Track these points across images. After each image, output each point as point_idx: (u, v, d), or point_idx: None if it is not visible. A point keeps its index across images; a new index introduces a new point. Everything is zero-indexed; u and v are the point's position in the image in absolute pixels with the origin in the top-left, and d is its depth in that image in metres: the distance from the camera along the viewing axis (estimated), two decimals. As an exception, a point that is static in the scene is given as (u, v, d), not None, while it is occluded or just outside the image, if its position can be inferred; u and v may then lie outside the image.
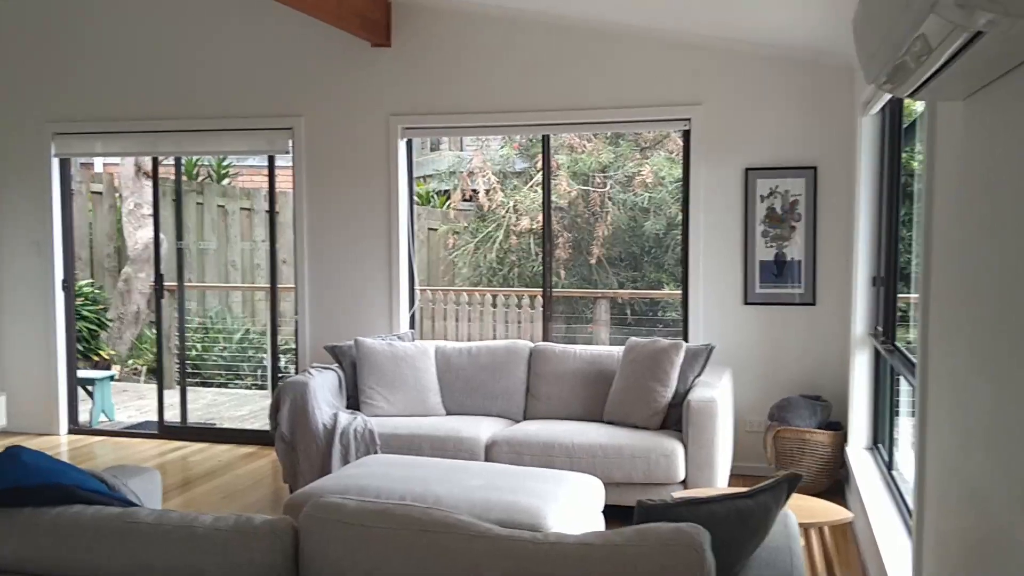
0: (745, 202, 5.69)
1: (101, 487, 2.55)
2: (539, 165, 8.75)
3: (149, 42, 6.52)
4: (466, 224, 9.32)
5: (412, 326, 6.42)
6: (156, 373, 6.80)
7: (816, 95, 5.58)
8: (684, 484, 4.66)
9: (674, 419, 4.97)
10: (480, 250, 8.73)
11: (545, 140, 6.18)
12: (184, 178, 10.79)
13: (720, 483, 4.65)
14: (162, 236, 9.71)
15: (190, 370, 9.10)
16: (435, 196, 9.87)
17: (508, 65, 5.97)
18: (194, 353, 9.15)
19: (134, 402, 8.20)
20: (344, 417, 5.11)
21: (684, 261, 5.88)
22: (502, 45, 5.97)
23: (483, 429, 5.06)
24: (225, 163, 10.64)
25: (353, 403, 5.44)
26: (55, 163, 6.73)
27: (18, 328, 6.80)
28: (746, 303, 5.74)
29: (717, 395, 4.70)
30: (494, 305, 7.93)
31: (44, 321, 6.75)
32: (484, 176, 9.01)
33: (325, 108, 6.28)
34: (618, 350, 5.45)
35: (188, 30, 6.45)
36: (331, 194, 6.33)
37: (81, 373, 7.14)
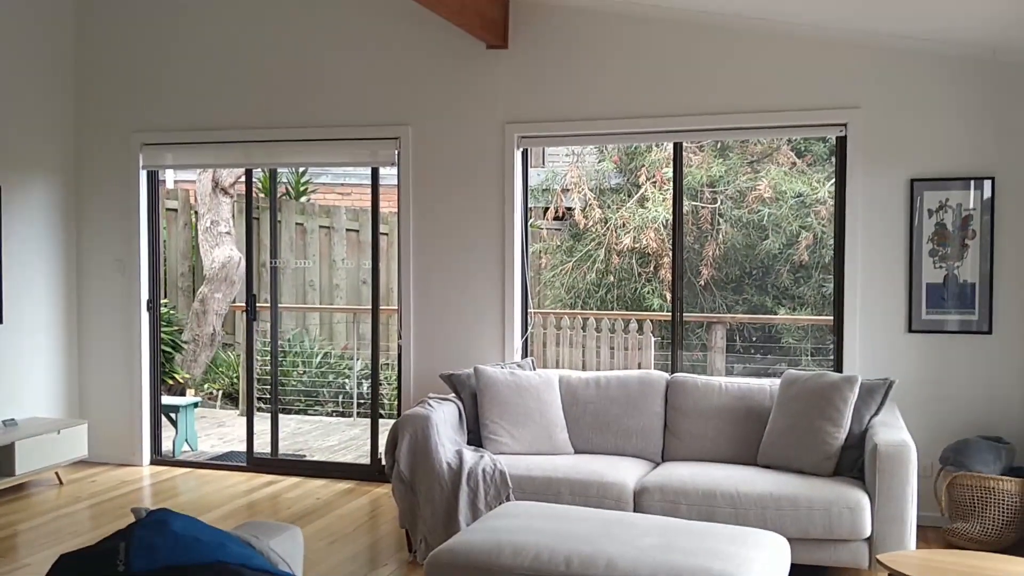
0: (910, 217, 5.07)
1: (265, 563, 2.01)
2: (641, 180, 8.21)
3: (242, 48, 6.10)
4: (559, 243, 8.78)
5: (525, 353, 5.87)
6: (246, 400, 6.33)
7: (993, 96, 4.96)
8: (869, 541, 4.03)
9: (848, 464, 4.35)
10: (578, 270, 8.17)
11: (677, 149, 5.62)
12: (261, 195, 10.45)
13: (910, 540, 4.01)
14: (240, 255, 9.35)
15: (269, 396, 8.65)
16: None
17: (636, 67, 5.44)
18: (268, 377, 8.68)
19: (214, 429, 7.74)
20: (470, 455, 4.56)
21: (838, 283, 5.26)
22: (629, 45, 5.44)
23: (627, 472, 4.47)
24: (304, 179, 10.24)
25: (474, 438, 4.89)
26: (143, 175, 6.31)
27: (101, 351, 6.38)
28: (910, 331, 5.10)
29: (908, 438, 4.07)
30: (598, 330, 7.36)
31: (127, 344, 6.32)
32: (580, 192, 8.47)
33: (435, 116, 5.79)
34: (770, 383, 4.85)
35: (284, 35, 6.02)
36: (439, 208, 5.82)
37: (164, 400, 6.68)
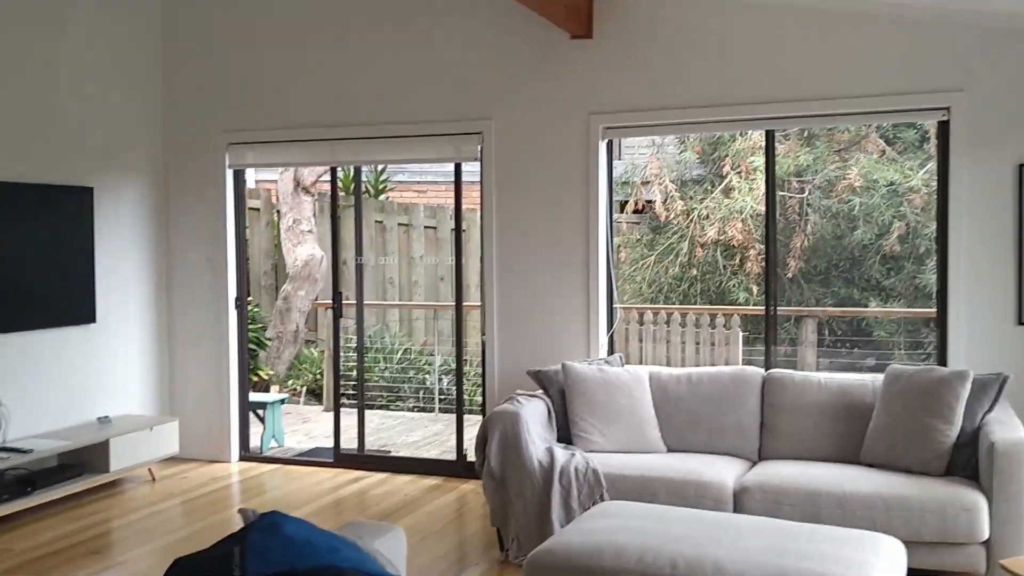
0: (1019, 204, 4.82)
1: (376, 567, 1.96)
2: (724, 171, 8.02)
3: (326, 46, 6.10)
4: (639, 236, 8.64)
5: (611, 349, 5.76)
6: (333, 396, 6.35)
7: (1111, 75, 4.68)
8: (986, 545, 3.83)
9: (960, 463, 4.14)
10: (660, 264, 8.02)
11: (769, 137, 5.44)
12: (341, 193, 10.50)
13: (1030, 544, 3.80)
14: (322, 253, 9.41)
15: (351, 392, 8.70)
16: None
17: (724, 53, 5.28)
18: (355, 373, 8.73)
19: (300, 425, 7.80)
20: (561, 453, 4.48)
21: (942, 274, 5.04)
22: (717, 31, 5.29)
23: (725, 471, 4.34)
24: (383, 178, 10.27)
25: (563, 436, 4.81)
26: (229, 175, 6.37)
27: (190, 349, 6.47)
28: (1020, 323, 4.85)
29: (1026, 437, 3.86)
30: (683, 325, 7.21)
31: (216, 342, 6.39)
32: (660, 184, 8.31)
33: (518, 109, 5.71)
34: (872, 379, 4.66)
35: (367, 31, 6.00)
36: (522, 202, 5.75)
37: (251, 396, 6.74)
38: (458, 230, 6.06)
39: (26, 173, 5.45)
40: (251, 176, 10.03)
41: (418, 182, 11.41)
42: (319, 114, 6.12)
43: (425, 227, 10.00)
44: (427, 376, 8.90)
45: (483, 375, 5.95)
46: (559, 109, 5.62)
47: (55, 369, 5.65)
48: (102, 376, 5.99)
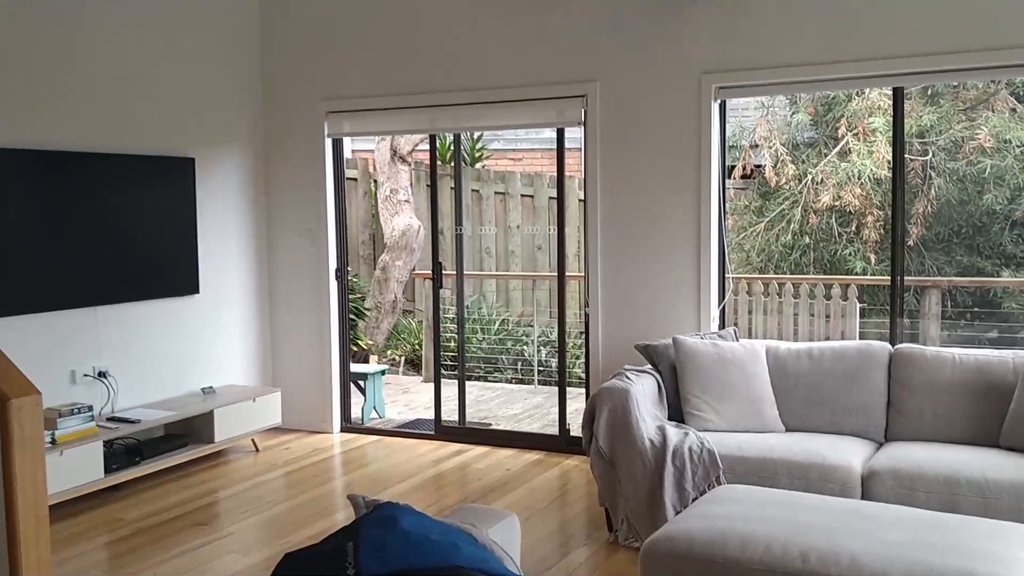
0: None
1: (499, 567, 1.80)
2: (840, 132, 7.59)
3: (424, 11, 5.93)
4: (747, 203, 8.27)
5: (723, 323, 5.49)
6: (434, 368, 6.25)
7: None
8: None
9: (1118, 450, 3.77)
10: (771, 231, 7.66)
11: (897, 95, 5.05)
12: (439, 163, 10.37)
13: None
14: (419, 223, 9.33)
15: (450, 363, 8.63)
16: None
17: (848, 6, 4.90)
18: (453, 344, 8.65)
19: (399, 396, 7.76)
20: (673, 432, 4.26)
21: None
22: (844, -19, 4.91)
23: (851, 454, 4.06)
24: (479, 146, 10.11)
25: (674, 414, 4.59)
26: (328, 143, 6.29)
27: (292, 320, 6.45)
28: None
29: None
30: (796, 296, 6.85)
31: (317, 313, 6.36)
32: (771, 147, 7.91)
33: (624, 70, 5.45)
34: (1013, 355, 4.29)
35: (467, -9, 5.81)
36: (628, 168, 5.50)
37: (352, 367, 6.70)
38: (560, 198, 5.84)
39: (129, 144, 5.46)
40: (348, 146, 9.99)
41: (514, 150, 11.22)
42: (418, 81, 5.97)
43: (522, 195, 9.83)
44: (525, 348, 8.76)
45: (586, 349, 5.75)
46: (668, 69, 5.34)
47: (160, 340, 5.69)
48: (205, 347, 6.02)
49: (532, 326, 9.22)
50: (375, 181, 9.58)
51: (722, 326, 5.48)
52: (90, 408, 4.88)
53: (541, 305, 9.57)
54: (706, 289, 5.36)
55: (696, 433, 4.27)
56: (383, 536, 1.70)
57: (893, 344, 4.74)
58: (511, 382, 8.52)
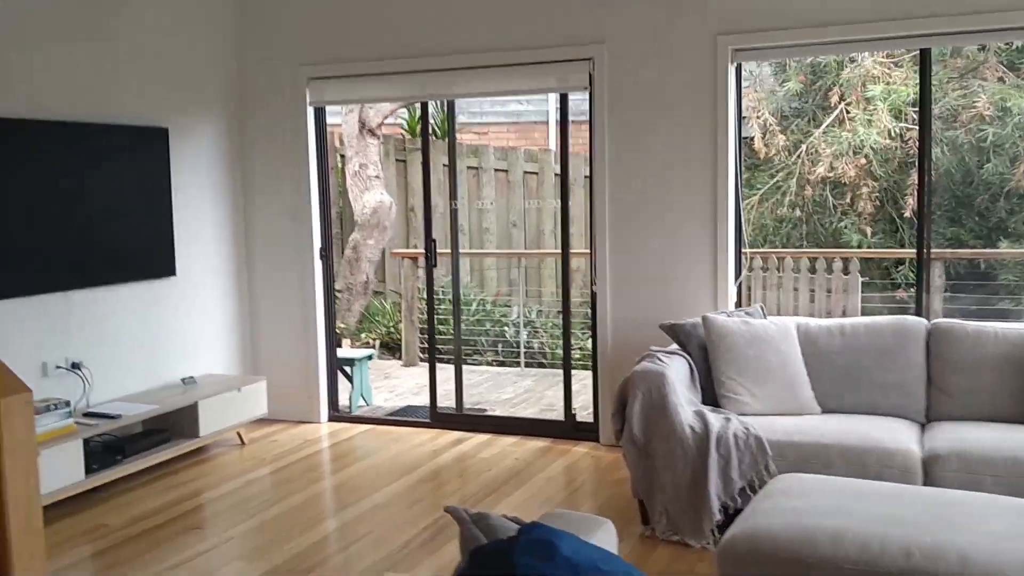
0: None
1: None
2: (834, 101, 7.38)
3: (415, -35, 5.53)
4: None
5: (739, 300, 5.24)
6: (429, 352, 5.88)
7: None
8: None
9: None
10: (764, 204, 7.43)
11: (924, 57, 4.82)
12: (408, 136, 9.96)
13: None
14: (390, 199, 8.91)
15: (426, 346, 8.25)
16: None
17: (877, -37, 4.65)
18: (433, 327, 8.27)
19: (382, 381, 7.38)
20: (714, 418, 3.99)
21: None
22: (871, -63, 4.65)
23: (905, 437, 3.83)
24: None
25: (706, 397, 4.31)
26: (310, 112, 5.86)
27: (274, 304, 6.02)
28: None
29: None
30: (796, 270, 6.64)
31: (300, 295, 5.94)
32: (759, 117, 7.67)
33: (634, 32, 5.13)
34: (1059, 329, 4.11)
35: (461, -52, 5.42)
36: (639, 137, 5.19)
37: (338, 353, 6.30)
38: (564, 172, 5.51)
39: (98, 112, 4.97)
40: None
41: (479, 124, 10.86)
42: (408, 43, 5.57)
43: (496, 170, 9.48)
44: (505, 329, 8.44)
45: (593, 329, 5.45)
46: (681, 30, 5.03)
47: (135, 327, 5.24)
48: (183, 334, 5.57)
49: (509, 306, 8.91)
50: (342, 156, 9.13)
51: (738, 304, 5.23)
52: (67, 403, 4.43)
53: (516, 284, 9.25)
54: (723, 264, 5.10)
55: (738, 418, 4.01)
56: (544, 567, 1.37)
57: (930, 320, 4.53)
58: (492, 364, 8.20)
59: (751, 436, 3.87)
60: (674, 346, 4.49)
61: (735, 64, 5.02)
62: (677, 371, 4.14)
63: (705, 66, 5.01)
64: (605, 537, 2.26)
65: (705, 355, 4.36)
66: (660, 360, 4.14)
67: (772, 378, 4.25)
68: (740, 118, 5.18)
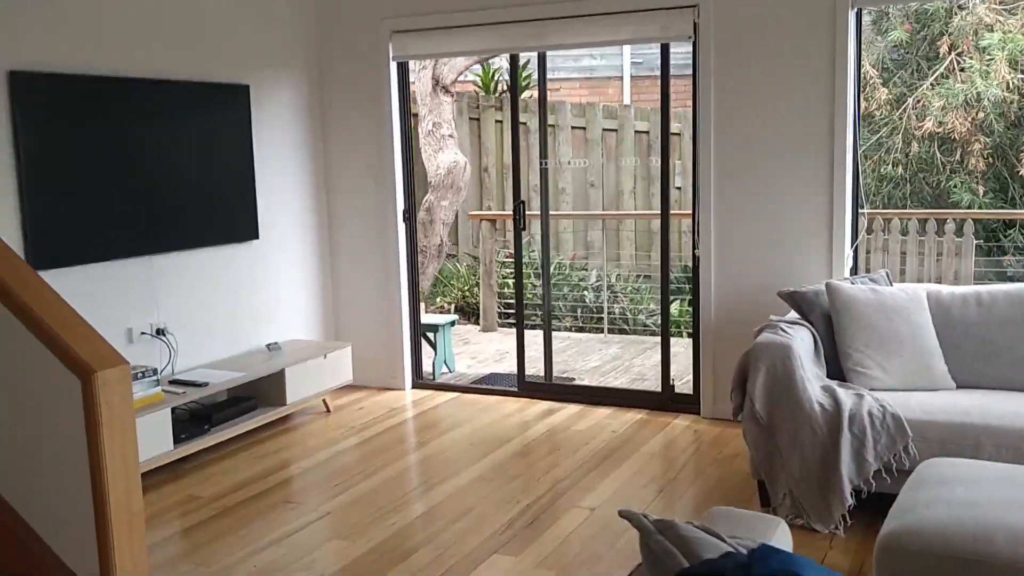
0: None
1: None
2: (943, 51, 6.90)
3: (505, -92, 5.19)
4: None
5: (856, 266, 4.89)
6: (517, 319, 5.63)
7: None
8: None
9: None
10: (866, 162, 7.00)
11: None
12: (482, 93, 9.66)
13: None
14: (464, 158, 8.64)
15: (506, 311, 8.03)
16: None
17: None
18: (507, 291, 8.05)
19: (462, 347, 7.16)
20: (845, 394, 3.68)
21: None
22: None
23: (1065, 417, 3.49)
24: (526, 75, 9.36)
25: (831, 371, 4.00)
26: (393, 68, 5.59)
27: (356, 268, 5.82)
28: None
29: None
30: (904, 232, 6.24)
31: (383, 259, 5.73)
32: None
33: (745, -25, 4.75)
34: None
35: None
36: (746, 90, 4.83)
37: (422, 319, 6.09)
38: (664, 129, 5.16)
39: (178, 69, 4.76)
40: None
41: (551, 79, 10.51)
42: (498, -7, 5.26)
43: (573, 127, 9.15)
44: (586, 294, 8.16)
45: (695, 296, 5.14)
46: (798, -26, 4.65)
47: (218, 292, 5.07)
48: (267, 298, 5.40)
49: (586, 270, 8.63)
50: (415, 115, 8.86)
51: (854, 270, 4.88)
52: (155, 371, 4.26)
53: (594, 247, 8.96)
54: (840, 226, 4.74)
55: (871, 395, 3.69)
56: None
57: (1071, 287, 4.14)
58: (571, 331, 7.93)
59: (888, 414, 3.56)
60: (793, 314, 4.18)
61: (855, 10, 4.63)
62: (802, 343, 3.83)
63: (822, 12, 4.62)
64: (783, 539, 1.99)
65: (829, 325, 4.04)
66: (784, 331, 3.83)
67: (903, 350, 3.92)
68: (859, 69, 4.79)
